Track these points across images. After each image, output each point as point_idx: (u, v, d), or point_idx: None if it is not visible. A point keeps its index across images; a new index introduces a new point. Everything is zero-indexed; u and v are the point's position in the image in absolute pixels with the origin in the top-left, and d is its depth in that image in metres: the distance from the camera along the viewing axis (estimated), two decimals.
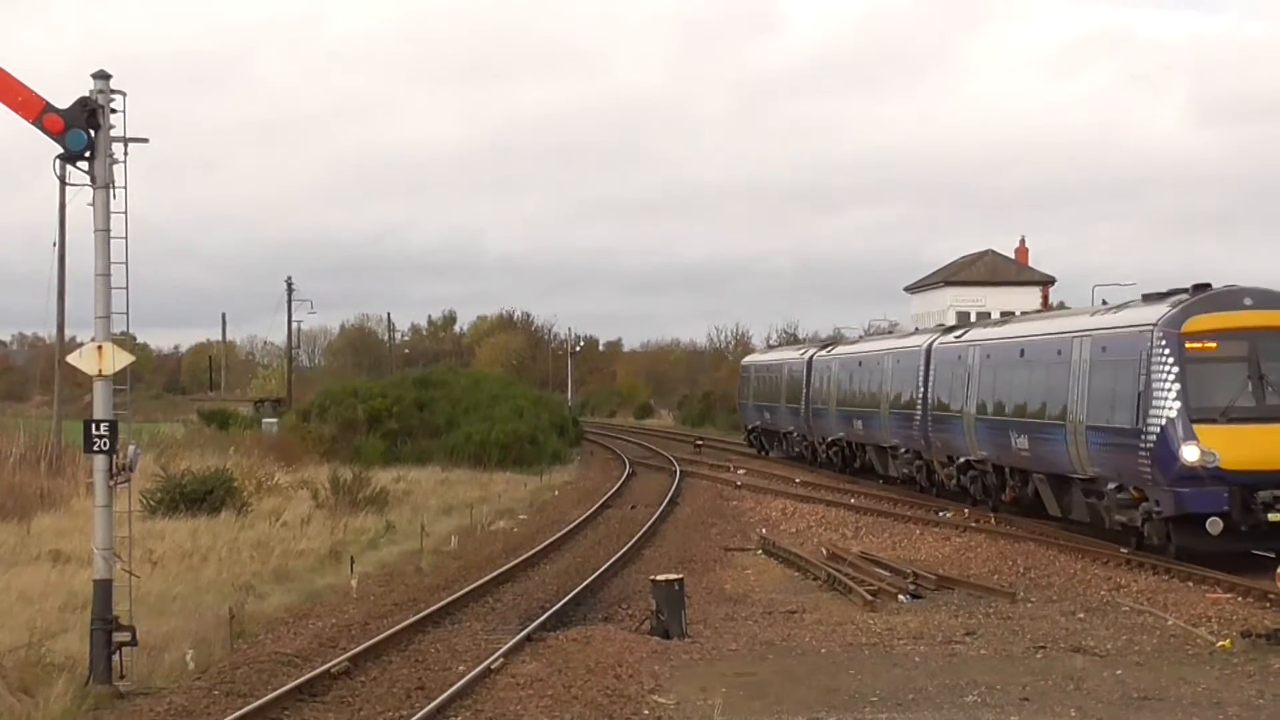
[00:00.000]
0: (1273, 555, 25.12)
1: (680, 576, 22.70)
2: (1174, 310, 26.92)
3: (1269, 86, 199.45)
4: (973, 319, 63.37)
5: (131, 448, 18.76)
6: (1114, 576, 26.54)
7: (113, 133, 17.97)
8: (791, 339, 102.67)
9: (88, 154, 17.87)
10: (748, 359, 79.12)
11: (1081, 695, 17.25)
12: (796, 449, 60.70)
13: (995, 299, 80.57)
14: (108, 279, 18.06)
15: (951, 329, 44.67)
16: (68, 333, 59.63)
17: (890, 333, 63.08)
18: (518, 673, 18.56)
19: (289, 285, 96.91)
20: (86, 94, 17.82)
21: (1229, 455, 25.68)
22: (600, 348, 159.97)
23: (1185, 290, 27.58)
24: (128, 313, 18.40)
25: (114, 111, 17.95)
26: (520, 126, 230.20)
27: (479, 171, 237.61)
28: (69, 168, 18.04)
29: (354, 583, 26.55)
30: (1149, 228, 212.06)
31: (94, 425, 17.91)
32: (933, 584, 26.02)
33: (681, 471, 54.91)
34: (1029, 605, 24.27)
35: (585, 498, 46.65)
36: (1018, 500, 34.89)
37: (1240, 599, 23.48)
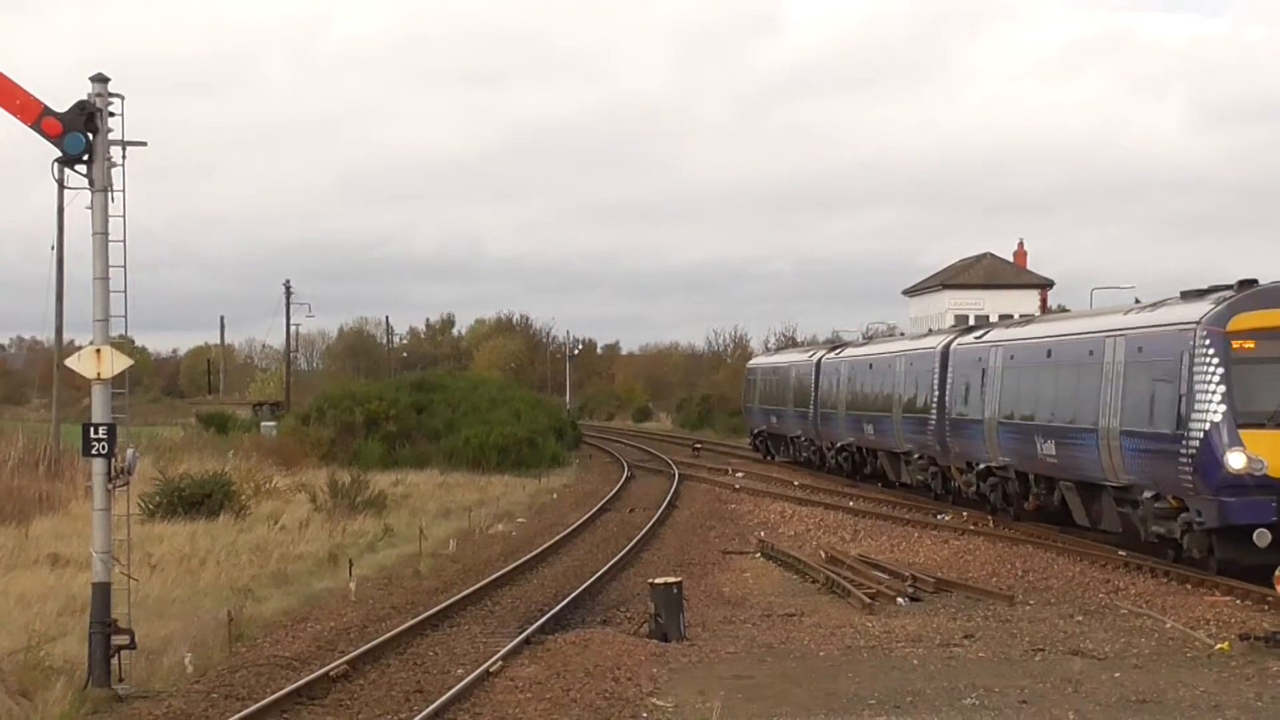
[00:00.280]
0: None
1: (679, 579, 22.70)
2: (1218, 308, 25.16)
3: (1269, 90, 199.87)
4: (971, 322, 63.12)
5: (130, 451, 18.75)
6: (1112, 579, 26.54)
7: (111, 136, 17.98)
8: (790, 342, 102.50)
9: (86, 157, 17.88)
10: (753, 361, 77.71)
11: (1080, 698, 17.25)
12: (804, 454, 59.09)
13: (993, 302, 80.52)
14: (106, 282, 18.07)
15: (971, 329, 43.02)
16: (66, 336, 59.87)
17: (892, 334, 61.92)
18: (516, 676, 18.57)
19: (287, 288, 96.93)
20: (85, 97, 17.82)
21: (1278, 463, 24.09)
22: (599, 351, 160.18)
23: (1228, 287, 25.84)
24: (126, 316, 18.46)
25: (112, 115, 17.95)
26: (520, 131, 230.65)
27: (479, 176, 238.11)
28: (67, 171, 18.04)
29: (352, 586, 26.54)
30: (1149, 231, 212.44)
31: (92, 429, 17.92)
32: (931, 587, 26.01)
33: (680, 475, 54.89)
34: (1027, 608, 24.26)
35: (584, 501, 46.64)
36: (1042, 509, 33.51)
37: (1239, 602, 23.47)
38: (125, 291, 18.28)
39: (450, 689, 17.45)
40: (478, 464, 58.73)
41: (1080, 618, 23.12)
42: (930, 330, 56.11)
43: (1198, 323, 25.26)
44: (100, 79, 17.97)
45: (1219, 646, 20.17)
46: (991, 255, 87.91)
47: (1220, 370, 24.62)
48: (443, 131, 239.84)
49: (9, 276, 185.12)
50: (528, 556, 31.05)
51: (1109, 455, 28.38)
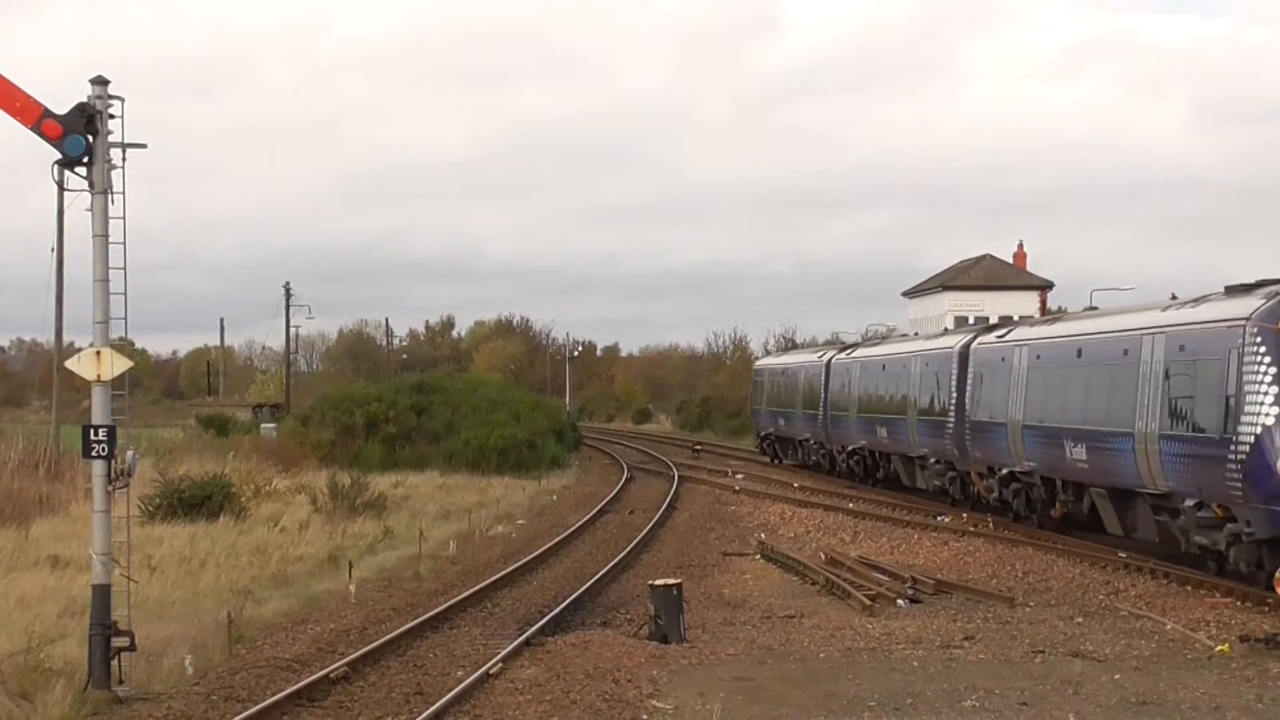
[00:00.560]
0: None
1: (679, 581, 22.69)
2: (1270, 303, 23.49)
3: (1270, 91, 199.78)
4: (970, 323, 63.04)
5: (130, 453, 18.76)
6: (1112, 581, 26.54)
7: (111, 138, 17.98)
8: (790, 344, 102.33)
9: (86, 159, 17.87)
10: (760, 362, 76.37)
11: (1080, 700, 17.25)
12: (813, 457, 57.42)
13: (993, 304, 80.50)
14: (106, 284, 18.07)
15: (992, 328, 41.21)
16: (66, 338, 59.83)
17: (893, 335, 61.91)
18: (516, 678, 18.57)
19: (287, 290, 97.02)
20: (85, 99, 17.83)
21: None
22: (598, 353, 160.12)
23: (1276, 281, 24.41)
24: (126, 318, 18.46)
25: (112, 117, 17.95)
26: (521, 132, 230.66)
27: (479, 177, 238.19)
28: (67, 173, 18.04)
29: (352, 588, 26.54)
30: (1149, 232, 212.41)
31: (92, 430, 17.92)
32: (931, 589, 26.01)
33: (680, 476, 54.88)
34: (1027, 610, 24.25)
35: (583, 502, 46.64)
36: (1070, 516, 32.15)
37: (1239, 603, 23.47)
38: (125, 293, 18.31)
39: (450, 691, 17.46)
40: (478, 466, 58.76)
41: (1080, 619, 23.11)
42: (946, 329, 55.08)
43: (1247, 319, 23.63)
44: (100, 81, 17.98)
45: (1219, 648, 20.16)
46: (991, 257, 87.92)
47: (1273, 369, 22.99)
48: (443, 132, 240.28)
49: (9, 278, 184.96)
50: (528, 558, 31.05)
51: (1146, 460, 26.90)
